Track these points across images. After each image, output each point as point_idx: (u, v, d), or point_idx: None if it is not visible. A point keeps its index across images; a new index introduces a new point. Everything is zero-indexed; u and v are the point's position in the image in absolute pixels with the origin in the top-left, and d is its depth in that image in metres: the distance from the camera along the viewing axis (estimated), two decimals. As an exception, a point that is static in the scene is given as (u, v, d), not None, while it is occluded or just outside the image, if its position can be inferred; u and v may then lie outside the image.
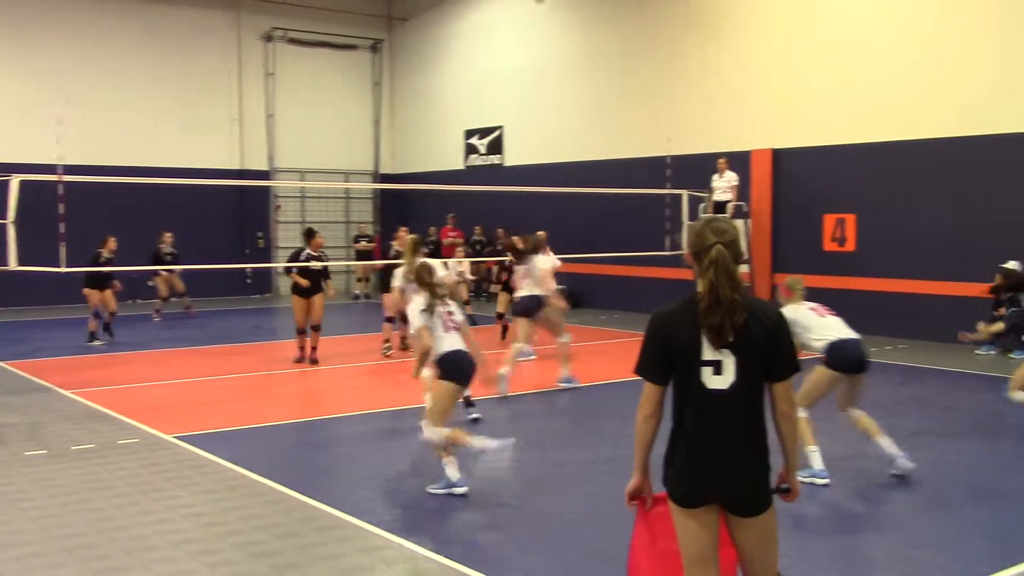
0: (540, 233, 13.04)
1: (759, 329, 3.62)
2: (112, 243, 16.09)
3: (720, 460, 3.64)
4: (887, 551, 6.00)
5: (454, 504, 6.92)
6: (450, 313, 7.45)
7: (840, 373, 7.51)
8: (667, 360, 3.69)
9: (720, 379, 3.61)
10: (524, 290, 11.92)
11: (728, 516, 3.71)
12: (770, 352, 3.64)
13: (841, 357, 7.44)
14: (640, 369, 3.78)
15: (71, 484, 7.37)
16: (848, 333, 7.61)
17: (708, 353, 3.61)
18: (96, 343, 15.37)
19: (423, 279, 7.52)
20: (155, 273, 19.34)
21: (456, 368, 7.30)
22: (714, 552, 3.73)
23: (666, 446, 3.76)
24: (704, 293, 3.61)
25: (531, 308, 11.76)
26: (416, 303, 7.50)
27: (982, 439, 9.07)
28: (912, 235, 15.57)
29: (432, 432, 7.18)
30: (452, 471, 7.14)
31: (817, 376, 7.58)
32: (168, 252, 19.40)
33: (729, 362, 3.61)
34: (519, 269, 12.22)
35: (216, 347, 15.40)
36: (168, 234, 19.62)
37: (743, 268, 17.39)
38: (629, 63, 20.19)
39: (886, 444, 7.50)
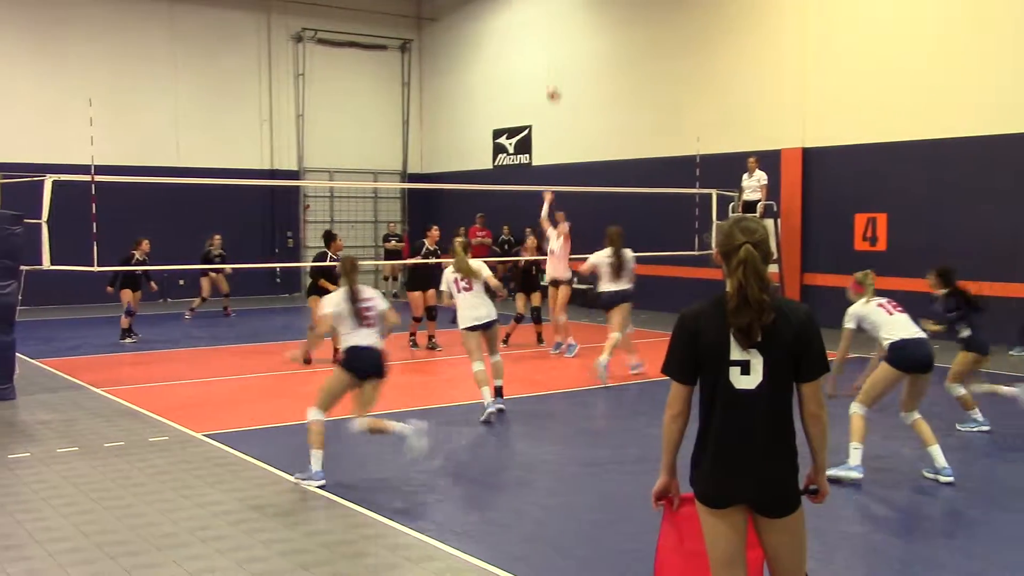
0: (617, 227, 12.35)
1: (787, 329, 3.59)
2: (145, 244, 16.26)
3: (748, 460, 3.61)
4: (916, 553, 5.93)
5: (480, 502, 6.92)
6: (367, 308, 7.56)
7: (903, 372, 7.41)
8: (694, 360, 3.67)
9: (748, 379, 3.59)
10: (614, 284, 11.76)
11: (756, 517, 3.68)
12: (798, 352, 3.60)
13: (905, 356, 7.37)
14: (667, 368, 3.76)
15: (102, 481, 7.44)
16: (914, 332, 7.52)
17: (736, 353, 3.59)
18: (128, 340, 15.51)
19: (346, 271, 7.68)
20: (202, 273, 19.44)
21: (357, 362, 7.52)
22: (742, 553, 3.70)
23: (693, 446, 3.74)
24: (732, 293, 3.58)
25: (618, 302, 11.76)
26: (334, 295, 7.66)
27: (1019, 442, 8.94)
28: (944, 234, 15.38)
29: (357, 422, 7.53)
30: (316, 463, 7.31)
31: (880, 374, 7.50)
32: (217, 254, 19.49)
33: (757, 362, 3.58)
34: (603, 263, 11.82)
35: (245, 346, 15.49)
36: (218, 237, 19.63)
37: (772, 268, 17.39)
38: (658, 62, 20.11)
39: (936, 453, 7.36)
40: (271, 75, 24.54)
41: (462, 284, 9.84)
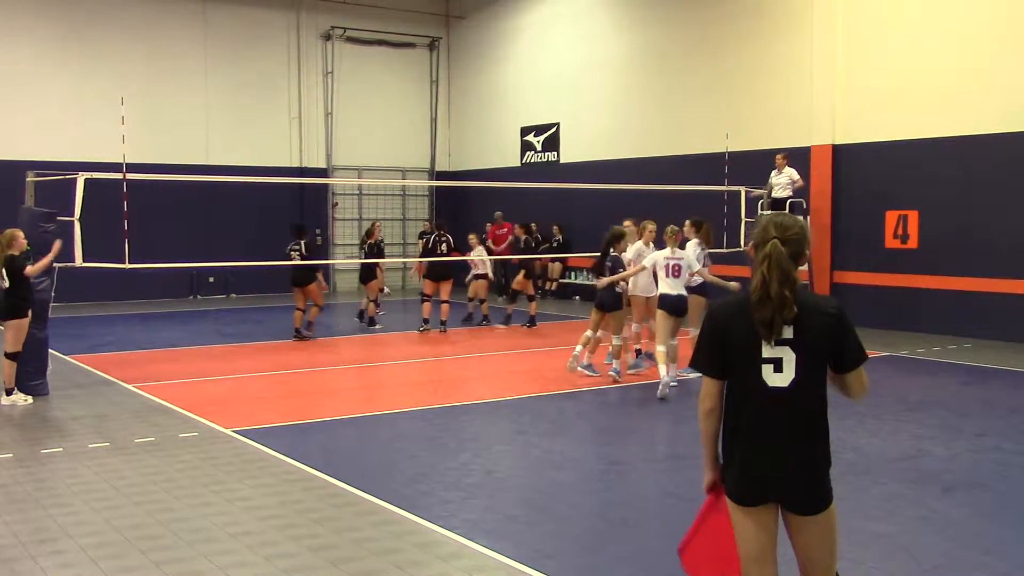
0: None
1: (819, 325, 3.57)
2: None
3: (780, 458, 3.59)
4: (947, 554, 5.86)
5: (508, 500, 6.91)
6: None
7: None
8: (723, 356, 3.67)
9: (780, 377, 3.57)
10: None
11: (787, 515, 3.66)
12: (833, 348, 3.59)
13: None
14: (696, 364, 3.77)
15: (133, 476, 7.50)
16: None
17: (768, 351, 3.57)
18: (307, 334, 15.80)
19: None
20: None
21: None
22: (773, 551, 3.69)
23: (721, 444, 3.74)
24: (755, 286, 3.58)
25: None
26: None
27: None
28: (977, 231, 15.22)
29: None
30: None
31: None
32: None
33: (790, 360, 3.56)
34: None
35: (274, 343, 15.57)
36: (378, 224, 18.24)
37: (802, 267, 17.25)
38: (687, 59, 20.02)
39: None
40: (300, 73, 24.65)
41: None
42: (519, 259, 17.71)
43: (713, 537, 3.93)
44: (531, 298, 17.26)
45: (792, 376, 3.56)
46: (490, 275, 17.24)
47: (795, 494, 3.61)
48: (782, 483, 3.60)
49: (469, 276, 17.35)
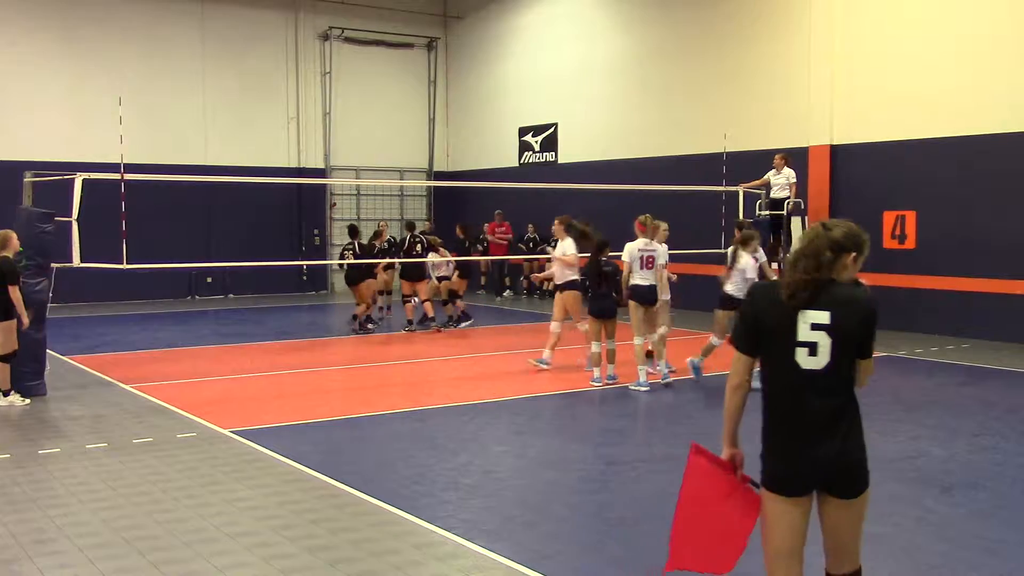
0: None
1: (855, 314, 3.70)
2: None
3: (824, 443, 3.69)
4: (945, 554, 5.86)
5: (506, 500, 6.91)
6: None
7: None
8: (756, 335, 3.83)
9: (815, 360, 3.69)
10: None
11: (825, 498, 3.76)
12: (861, 336, 3.72)
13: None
14: (733, 337, 3.94)
15: (131, 477, 7.49)
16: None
17: (803, 334, 3.70)
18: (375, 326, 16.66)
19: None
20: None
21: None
22: (802, 548, 3.79)
23: (762, 434, 3.83)
24: (789, 262, 3.81)
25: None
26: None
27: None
28: (974, 232, 15.23)
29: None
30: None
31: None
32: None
33: (824, 344, 3.68)
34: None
35: (272, 343, 15.57)
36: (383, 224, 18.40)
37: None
38: (685, 59, 20.03)
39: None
40: (298, 73, 24.64)
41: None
42: (455, 260, 17.45)
43: (698, 513, 3.96)
44: (458, 298, 17.35)
45: (826, 360, 3.68)
46: (453, 277, 17.25)
47: (842, 477, 3.72)
48: (825, 467, 3.70)
49: (432, 279, 17.29)
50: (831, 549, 3.85)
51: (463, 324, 17.16)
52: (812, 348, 3.68)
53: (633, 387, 11.07)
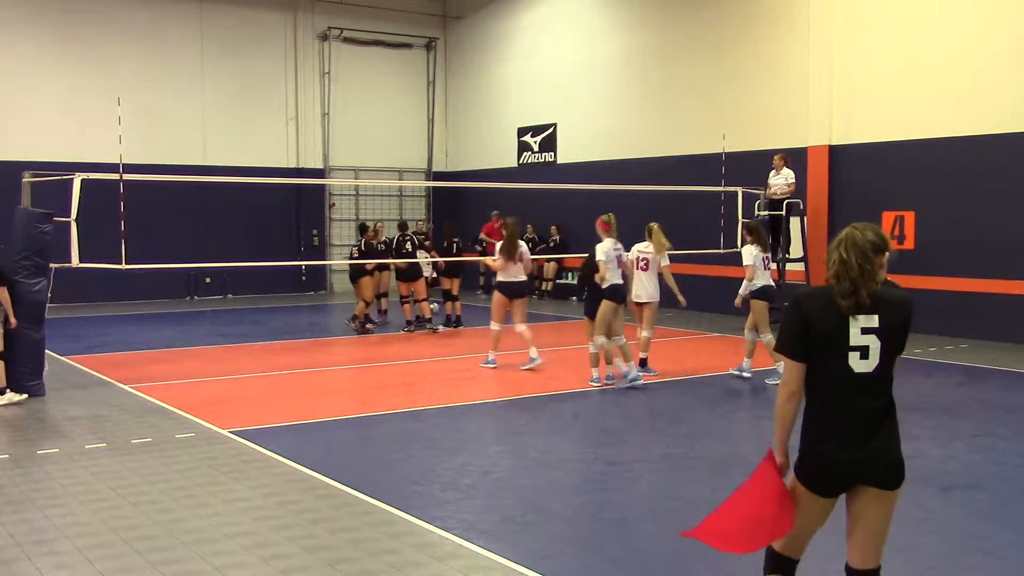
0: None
1: (898, 315, 3.84)
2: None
3: (869, 441, 3.82)
4: (944, 555, 5.87)
5: (505, 500, 6.91)
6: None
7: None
8: (806, 342, 3.86)
9: (866, 363, 3.80)
10: (764, 280, 11.52)
11: (865, 490, 3.88)
12: (904, 332, 3.86)
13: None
14: (782, 347, 3.96)
15: (130, 477, 7.49)
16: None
17: (856, 339, 3.78)
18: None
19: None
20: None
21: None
22: (819, 528, 4.05)
23: (802, 434, 3.93)
24: (833, 264, 3.84)
25: (773, 296, 11.66)
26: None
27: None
28: (973, 232, 15.24)
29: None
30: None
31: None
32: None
33: (875, 347, 3.80)
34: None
35: (272, 343, 15.57)
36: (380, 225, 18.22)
37: (799, 267, 17.26)
38: (684, 59, 20.03)
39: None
40: (297, 74, 24.64)
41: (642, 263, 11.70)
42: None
43: (746, 504, 4.03)
44: (455, 299, 17.37)
45: (876, 362, 3.80)
46: (427, 276, 17.29)
47: (883, 471, 3.85)
48: (872, 461, 3.82)
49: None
50: (861, 542, 3.96)
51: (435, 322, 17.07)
52: (864, 352, 3.80)
53: (592, 381, 11.35)
